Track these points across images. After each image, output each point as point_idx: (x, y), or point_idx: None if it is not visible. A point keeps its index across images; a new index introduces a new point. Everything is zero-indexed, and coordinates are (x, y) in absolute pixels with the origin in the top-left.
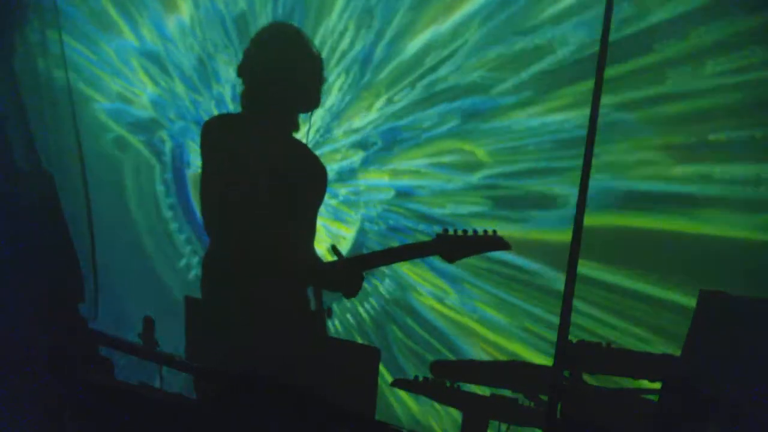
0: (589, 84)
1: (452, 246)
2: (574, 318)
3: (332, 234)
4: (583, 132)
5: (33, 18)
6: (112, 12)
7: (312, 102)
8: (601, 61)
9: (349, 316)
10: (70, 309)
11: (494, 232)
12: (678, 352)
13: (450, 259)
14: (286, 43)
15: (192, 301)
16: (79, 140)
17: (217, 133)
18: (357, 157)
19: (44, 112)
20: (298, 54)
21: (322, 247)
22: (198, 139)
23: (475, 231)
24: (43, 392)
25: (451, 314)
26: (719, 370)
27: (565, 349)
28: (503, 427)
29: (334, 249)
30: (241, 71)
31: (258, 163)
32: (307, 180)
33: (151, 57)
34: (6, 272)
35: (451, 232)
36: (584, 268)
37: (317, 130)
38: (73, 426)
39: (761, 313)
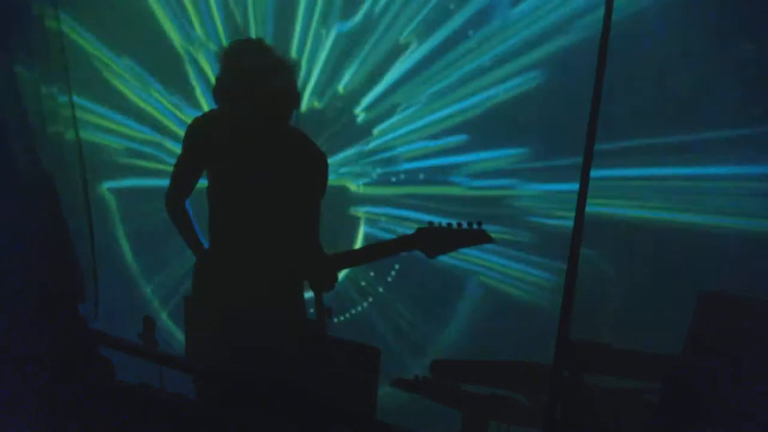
0: None
1: (434, 240)
2: None
3: None
4: None
5: (34, 20)
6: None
7: (291, 101)
8: (601, 60)
9: None
10: (70, 309)
11: (479, 224)
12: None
13: (430, 255)
14: (247, 54)
15: (191, 302)
16: (79, 140)
17: (202, 129)
18: None
19: (44, 113)
20: (262, 62)
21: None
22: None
23: (459, 224)
24: (43, 392)
25: None
26: (718, 370)
27: (565, 349)
28: (503, 427)
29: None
30: (216, 98)
31: (245, 156)
32: (301, 168)
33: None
34: (6, 272)
35: (436, 224)
36: None
37: None
38: (73, 426)
39: (761, 313)
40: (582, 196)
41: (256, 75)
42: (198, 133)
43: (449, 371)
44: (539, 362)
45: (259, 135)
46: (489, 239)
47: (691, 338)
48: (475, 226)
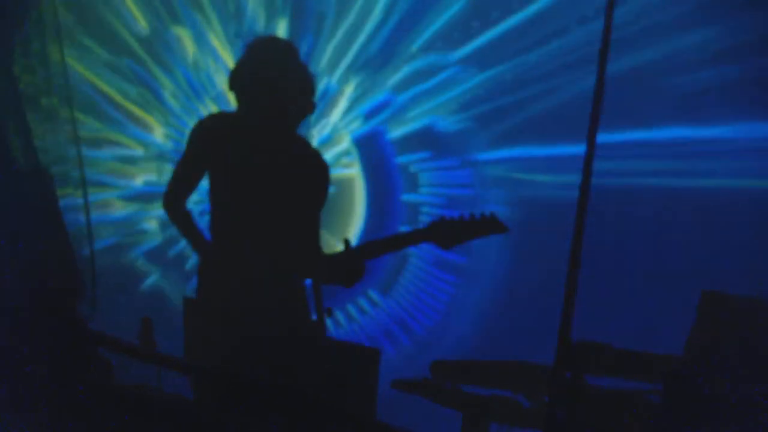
0: None
1: (447, 232)
2: None
3: None
4: None
5: (32, 18)
6: None
7: (304, 109)
8: (602, 59)
9: None
10: (70, 309)
11: (492, 214)
12: (678, 352)
13: (444, 246)
14: (275, 53)
15: (190, 302)
16: (78, 140)
17: (207, 132)
18: None
19: (43, 112)
20: (287, 64)
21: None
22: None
23: (471, 214)
24: (43, 392)
25: None
26: (719, 370)
27: (565, 350)
28: (503, 427)
29: (345, 242)
30: (232, 84)
31: (249, 160)
32: (303, 176)
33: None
34: (6, 272)
35: (447, 217)
36: None
37: None
38: (73, 426)
39: (761, 313)
40: (583, 194)
41: (279, 71)
42: (203, 133)
43: (449, 372)
44: (539, 362)
45: (264, 140)
46: (503, 228)
47: (691, 338)
48: (487, 216)
